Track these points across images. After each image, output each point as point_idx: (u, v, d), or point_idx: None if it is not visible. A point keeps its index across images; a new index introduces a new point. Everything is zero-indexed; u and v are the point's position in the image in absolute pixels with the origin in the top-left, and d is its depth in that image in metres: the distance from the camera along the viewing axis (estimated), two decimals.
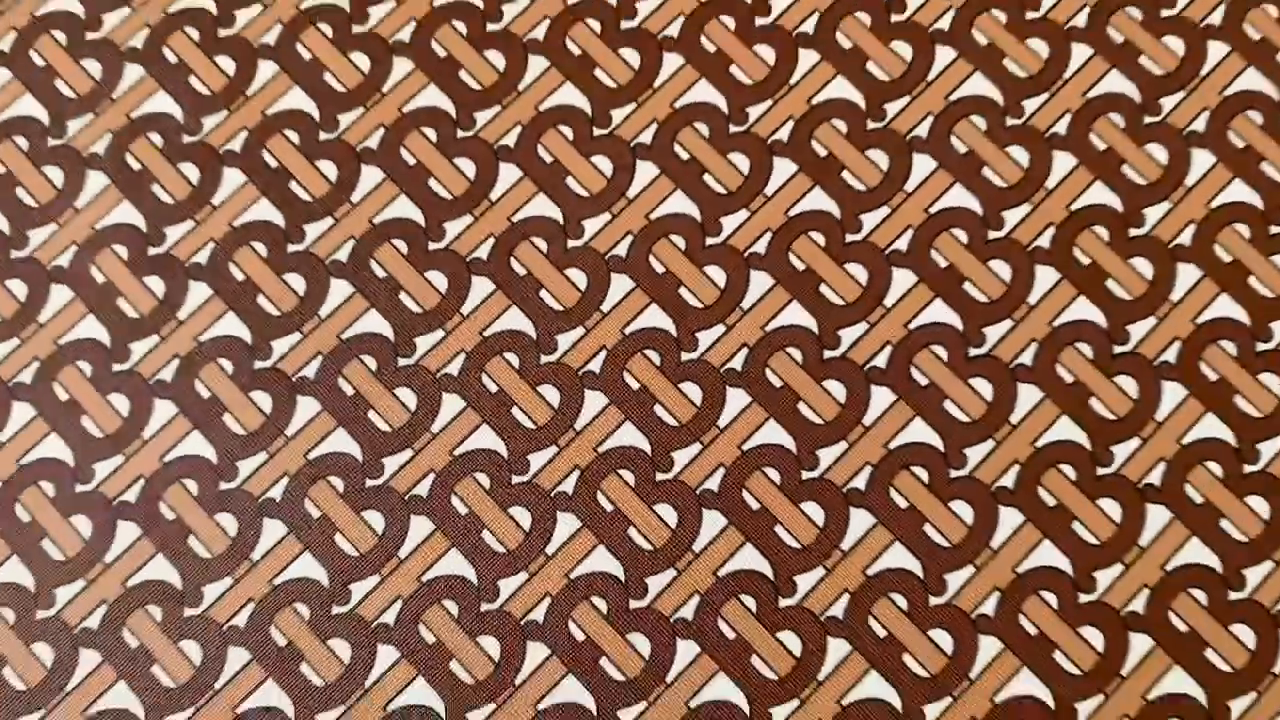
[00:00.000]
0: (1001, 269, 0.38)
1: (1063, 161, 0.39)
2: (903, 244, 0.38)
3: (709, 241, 0.38)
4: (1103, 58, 0.40)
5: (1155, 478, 0.36)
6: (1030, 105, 0.39)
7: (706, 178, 0.39)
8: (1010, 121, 0.39)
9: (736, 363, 0.37)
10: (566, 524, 0.36)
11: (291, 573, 0.36)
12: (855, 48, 0.40)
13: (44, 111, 0.40)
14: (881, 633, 0.35)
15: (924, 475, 0.36)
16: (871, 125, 0.39)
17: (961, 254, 0.38)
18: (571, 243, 0.38)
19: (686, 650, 0.35)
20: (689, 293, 0.38)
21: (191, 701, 0.35)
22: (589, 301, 0.38)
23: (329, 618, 0.35)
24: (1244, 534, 0.36)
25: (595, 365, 0.37)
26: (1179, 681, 0.35)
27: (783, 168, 0.39)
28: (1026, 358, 0.37)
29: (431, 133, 0.39)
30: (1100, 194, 0.38)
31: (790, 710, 0.35)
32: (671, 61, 0.40)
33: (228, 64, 0.40)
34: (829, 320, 0.38)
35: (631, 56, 0.40)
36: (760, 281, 0.38)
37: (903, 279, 0.38)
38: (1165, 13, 0.40)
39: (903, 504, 0.36)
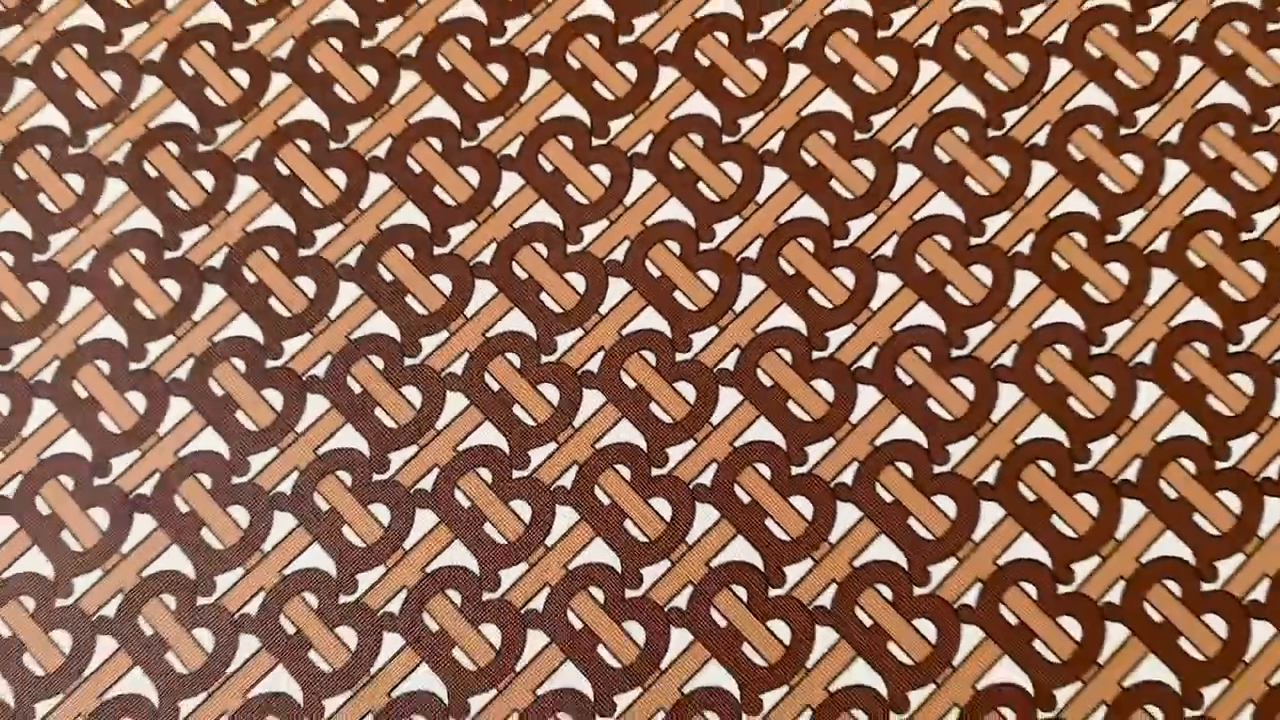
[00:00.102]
0: (983, 273, 0.38)
1: (1042, 171, 0.39)
2: (888, 249, 0.39)
3: (703, 247, 0.39)
4: (1080, 72, 0.40)
5: (1131, 474, 0.37)
6: (1011, 117, 0.40)
7: (700, 186, 0.39)
8: (991, 133, 0.40)
9: (729, 363, 0.38)
10: (565, 517, 0.36)
11: (301, 563, 0.36)
12: (843, 62, 0.40)
13: (65, 121, 0.40)
14: (868, 622, 0.35)
15: (908, 471, 0.37)
16: (858, 136, 0.40)
17: (944, 259, 0.39)
18: (571, 248, 0.39)
19: (680, 638, 0.35)
20: (683, 296, 0.38)
21: (204, 687, 0.35)
22: (587, 304, 0.38)
23: (336, 606, 0.36)
24: (1216, 528, 0.36)
25: (593, 365, 0.38)
26: (1154, 669, 0.35)
27: (773, 177, 0.39)
28: (1007, 358, 0.38)
29: (437, 142, 0.40)
30: (1078, 202, 0.39)
31: (779, 696, 0.35)
32: (667, 75, 0.40)
33: (242, 76, 0.41)
34: (817, 322, 0.38)
35: (629, 70, 0.40)
36: (752, 285, 0.38)
37: (888, 283, 0.38)
38: (1141, 29, 0.40)
39: (888, 498, 0.36)
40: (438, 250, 0.39)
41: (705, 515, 0.36)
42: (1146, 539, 0.36)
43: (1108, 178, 0.39)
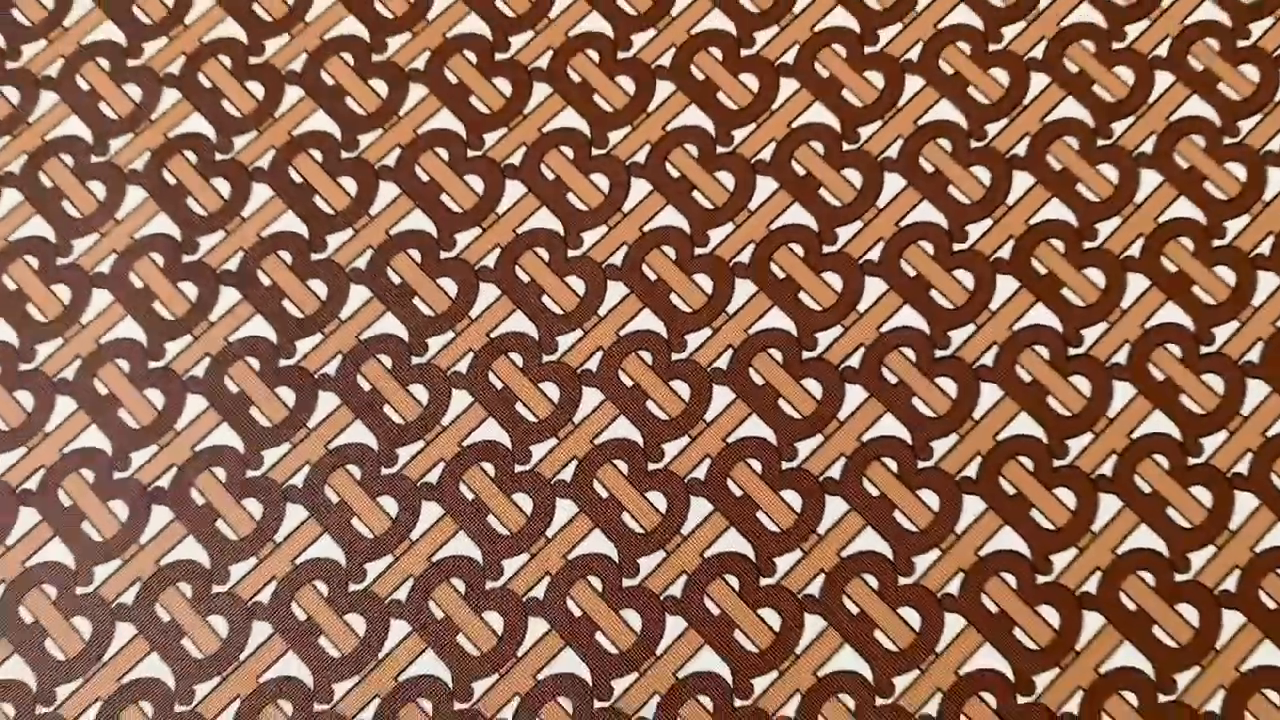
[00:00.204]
0: (965, 278, 0.39)
1: (1021, 180, 0.40)
2: (874, 255, 0.39)
3: (697, 252, 0.39)
4: (1059, 86, 0.40)
5: (1107, 469, 0.37)
6: (992, 129, 0.40)
7: (695, 194, 0.40)
8: (974, 144, 0.40)
9: (722, 362, 0.38)
10: (565, 509, 0.37)
11: (311, 553, 0.37)
12: (832, 76, 0.41)
13: (88, 131, 0.41)
14: (854, 610, 0.36)
15: (893, 466, 0.37)
16: (846, 147, 0.40)
17: (928, 264, 0.39)
18: (571, 252, 0.39)
19: (675, 625, 0.36)
20: (679, 299, 0.39)
21: (218, 671, 0.36)
22: (587, 306, 0.39)
23: (346, 595, 0.36)
24: (1188, 521, 0.37)
25: (592, 364, 0.38)
26: (1129, 656, 0.35)
27: (765, 185, 0.40)
28: (988, 359, 0.38)
29: (444, 152, 0.40)
30: (1056, 210, 0.39)
31: (770, 681, 0.35)
32: (663, 88, 0.41)
33: (257, 89, 0.41)
34: (807, 324, 0.38)
35: (627, 84, 0.41)
36: (744, 289, 0.39)
37: (874, 287, 0.39)
38: (1116, 45, 0.41)
39: (874, 492, 0.37)
40: (444, 255, 0.39)
41: (699, 508, 0.37)
42: (1122, 531, 0.37)
43: (1085, 187, 0.40)
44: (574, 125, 0.41)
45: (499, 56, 0.42)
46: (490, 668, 0.36)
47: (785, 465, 0.37)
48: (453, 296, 0.39)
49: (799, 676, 0.35)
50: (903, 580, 0.36)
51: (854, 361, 0.38)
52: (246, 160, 0.41)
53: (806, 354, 0.38)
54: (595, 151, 0.40)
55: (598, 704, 0.35)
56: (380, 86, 0.41)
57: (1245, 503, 0.37)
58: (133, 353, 0.39)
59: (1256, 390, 0.38)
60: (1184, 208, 0.40)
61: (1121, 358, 0.38)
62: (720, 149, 0.40)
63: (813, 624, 0.36)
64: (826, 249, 0.39)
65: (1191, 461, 0.37)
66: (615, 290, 0.39)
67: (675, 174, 0.40)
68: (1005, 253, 0.39)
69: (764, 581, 0.36)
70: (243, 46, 0.42)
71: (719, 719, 0.35)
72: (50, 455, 0.38)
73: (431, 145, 0.41)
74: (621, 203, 0.40)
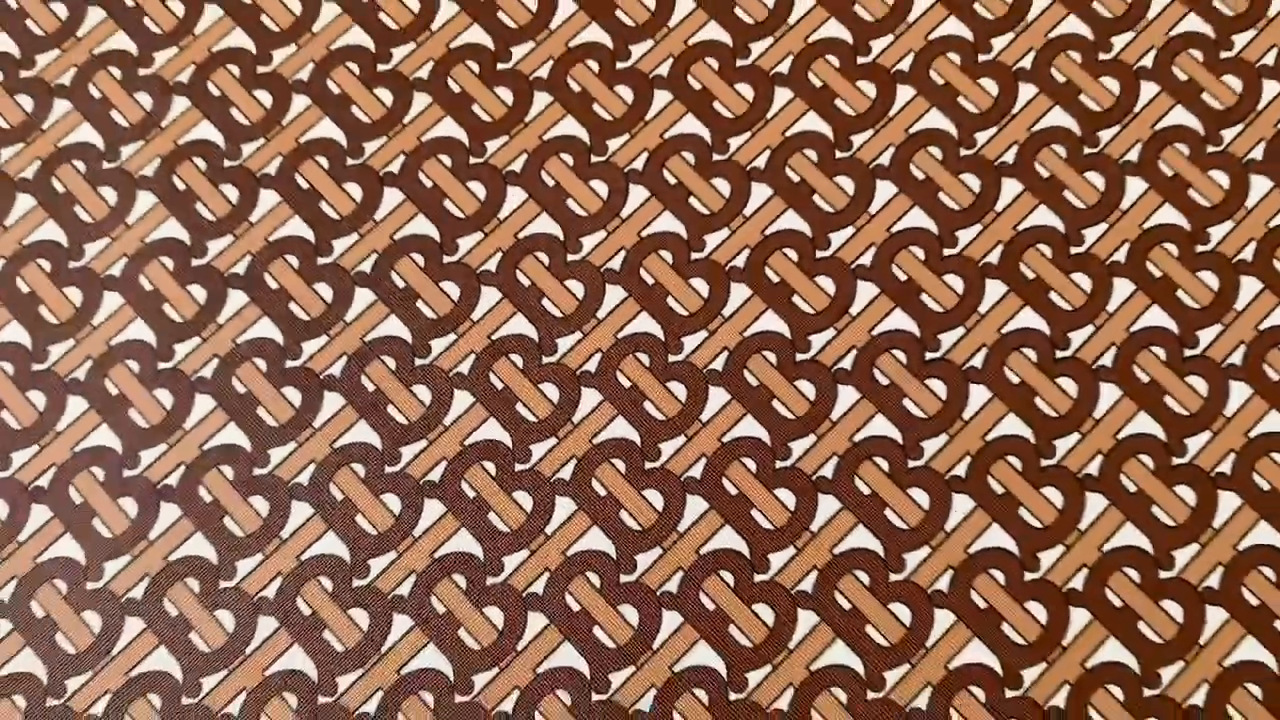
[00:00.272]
0: (955, 282, 0.39)
1: (1010, 187, 0.40)
2: (866, 259, 0.39)
3: (694, 256, 0.40)
4: (1046, 95, 0.41)
5: (1093, 469, 0.37)
6: (981, 137, 0.41)
7: (692, 200, 0.40)
8: (963, 152, 0.40)
9: (718, 364, 0.38)
10: (564, 507, 0.37)
11: (316, 550, 0.37)
12: (825, 86, 0.41)
13: (100, 138, 0.41)
14: (846, 605, 0.36)
15: (885, 465, 0.37)
16: (839, 155, 0.41)
17: (919, 269, 0.39)
18: (571, 257, 0.40)
19: (671, 620, 0.36)
20: (675, 302, 0.39)
21: (225, 664, 0.36)
22: (586, 309, 0.39)
23: (350, 590, 0.36)
24: (1173, 519, 0.37)
25: (591, 366, 0.39)
26: (1114, 651, 0.36)
27: (760, 192, 0.40)
28: (977, 361, 0.38)
29: (447, 159, 0.41)
30: (1044, 216, 0.40)
31: (764, 675, 0.36)
32: (661, 97, 0.41)
33: (265, 97, 0.42)
34: (800, 327, 0.39)
35: (625, 93, 0.41)
36: (739, 292, 0.39)
37: (866, 291, 0.39)
38: (1103, 56, 0.42)
39: (866, 491, 0.37)
40: (447, 259, 0.40)
41: (695, 506, 0.37)
42: (1108, 530, 0.37)
43: (1072, 194, 0.40)
44: (574, 133, 0.41)
45: (501, 66, 0.42)
46: (490, 661, 0.36)
47: (779, 464, 0.38)
48: (455, 299, 0.40)
49: (792, 670, 0.36)
50: (894, 577, 0.37)
51: (846, 363, 0.39)
52: (254, 166, 0.41)
53: (800, 356, 0.39)
54: (594, 159, 0.41)
55: (595, 697, 0.36)
56: (385, 95, 0.42)
57: (1228, 502, 0.37)
58: (142, 354, 0.39)
59: (1239, 392, 0.38)
60: (1168, 214, 0.40)
61: (1107, 360, 0.39)
62: (716, 156, 0.41)
63: (806, 619, 0.36)
64: (820, 254, 0.40)
65: (1176, 461, 0.38)
66: (614, 294, 0.40)
67: (672, 181, 0.41)
68: (994, 258, 0.40)
69: (758, 577, 0.37)
70: (251, 56, 0.42)
71: (714, 712, 0.35)
72: (62, 453, 0.38)
73: (435, 152, 0.41)
74: (620, 208, 0.40)
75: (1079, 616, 0.36)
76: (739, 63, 0.42)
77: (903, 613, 0.36)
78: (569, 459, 0.38)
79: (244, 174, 0.41)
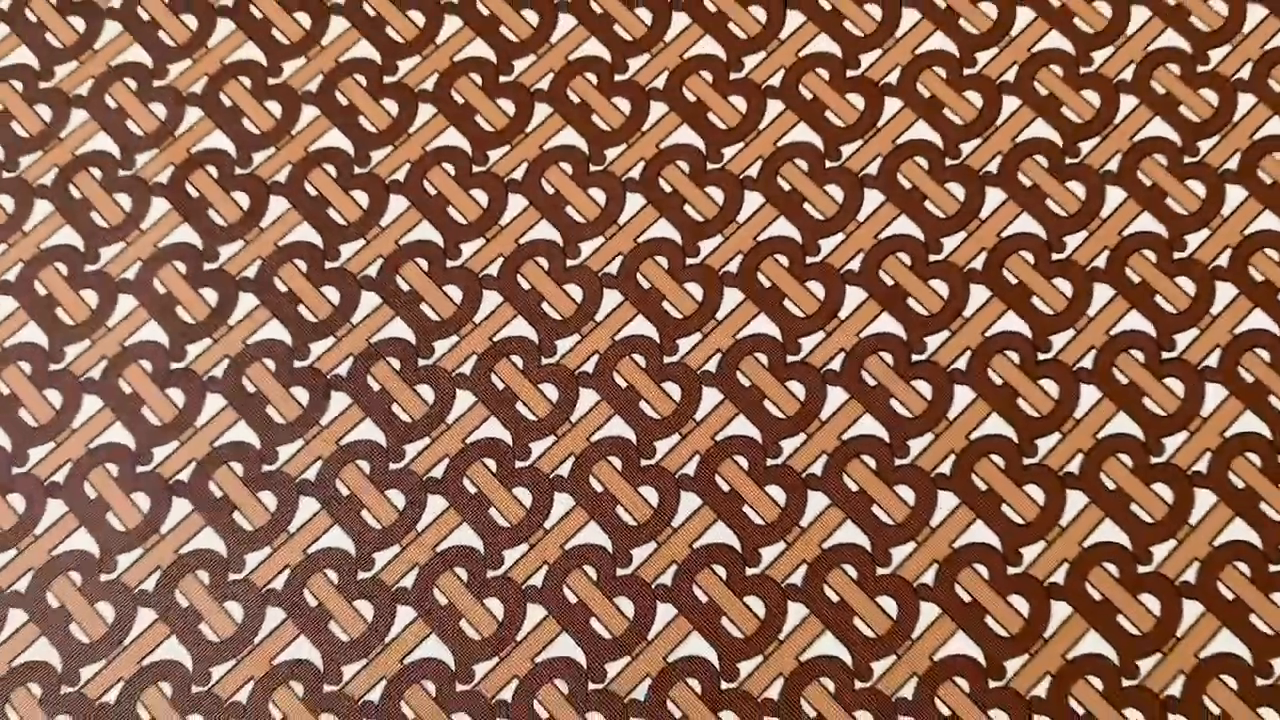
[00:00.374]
0: (940, 287, 0.40)
1: (994, 196, 0.41)
2: (855, 265, 0.40)
3: (688, 262, 0.40)
4: (1029, 108, 0.41)
5: (1074, 467, 0.38)
6: (967, 148, 0.41)
7: (687, 208, 0.41)
8: (949, 162, 0.41)
9: (711, 365, 0.39)
10: (562, 503, 0.38)
11: (323, 543, 0.37)
12: (815, 98, 0.42)
13: (116, 147, 0.42)
14: (835, 599, 0.37)
15: (872, 463, 0.38)
16: (829, 164, 0.41)
17: (906, 274, 0.40)
18: (570, 262, 0.40)
19: (665, 612, 0.37)
20: (670, 305, 0.40)
21: (234, 654, 0.36)
22: (584, 312, 0.40)
23: (355, 582, 0.37)
24: (1151, 516, 0.37)
25: (589, 367, 0.39)
26: (1094, 643, 0.36)
27: (752, 200, 0.41)
28: (962, 363, 0.39)
29: (450, 167, 0.41)
30: (1026, 224, 0.40)
31: (755, 665, 0.36)
32: (657, 109, 0.42)
33: (275, 108, 0.42)
34: (791, 330, 0.39)
35: (623, 104, 0.42)
36: (732, 296, 0.40)
37: (855, 295, 0.40)
38: (1084, 70, 0.42)
39: (854, 488, 0.38)
40: (450, 263, 0.40)
41: (689, 502, 0.38)
42: (1088, 526, 0.37)
43: (1053, 202, 0.41)
44: (573, 143, 0.42)
45: (503, 79, 0.43)
46: (491, 651, 0.36)
47: (770, 462, 0.38)
48: (458, 303, 0.40)
49: (782, 661, 0.36)
50: (880, 571, 0.37)
51: (835, 365, 0.39)
52: (265, 175, 0.42)
53: (790, 358, 0.39)
54: (593, 167, 0.41)
55: (592, 686, 0.36)
56: (391, 106, 0.42)
57: (1204, 499, 0.38)
58: (155, 354, 0.40)
59: (1215, 393, 0.39)
60: (1147, 222, 0.41)
61: (1088, 362, 0.39)
62: (710, 166, 0.41)
63: (795, 611, 0.37)
64: (810, 260, 0.40)
65: (1154, 460, 0.38)
66: (611, 297, 0.40)
67: (668, 189, 0.41)
68: (978, 264, 0.40)
69: (749, 571, 0.37)
70: (262, 68, 0.43)
71: (707, 701, 0.36)
72: (77, 450, 0.39)
73: (439, 161, 0.42)
74: (617, 216, 0.41)
75: (1060, 610, 0.37)
76: (732, 76, 0.43)
77: (889, 605, 0.37)
78: (567, 456, 0.38)
79: (254, 181, 0.41)
